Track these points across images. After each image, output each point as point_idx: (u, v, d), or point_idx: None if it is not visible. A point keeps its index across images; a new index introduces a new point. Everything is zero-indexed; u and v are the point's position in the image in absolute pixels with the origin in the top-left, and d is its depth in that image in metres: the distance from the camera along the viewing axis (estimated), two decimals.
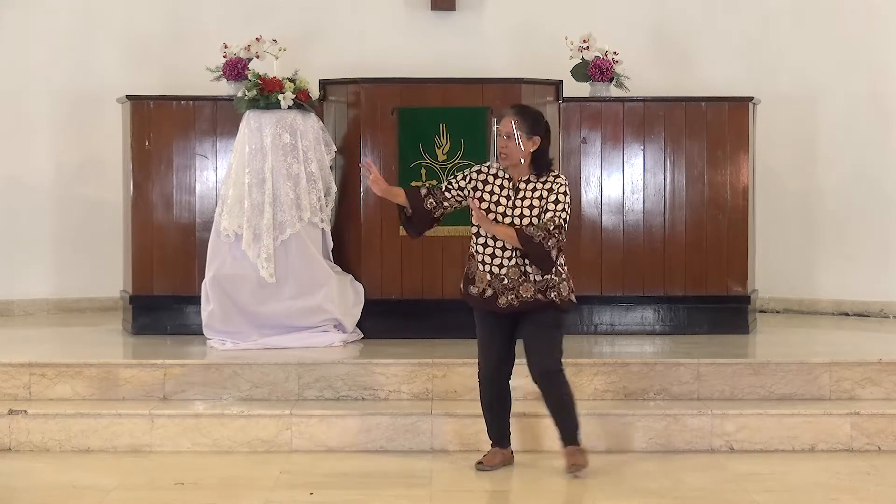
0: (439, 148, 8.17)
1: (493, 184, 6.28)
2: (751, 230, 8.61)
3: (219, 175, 8.41)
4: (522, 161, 6.21)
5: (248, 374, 7.28)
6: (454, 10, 9.85)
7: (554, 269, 6.18)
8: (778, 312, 9.69)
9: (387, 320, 8.21)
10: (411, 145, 8.21)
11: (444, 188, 6.34)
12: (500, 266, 6.22)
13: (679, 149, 8.53)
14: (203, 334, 8.01)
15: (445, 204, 6.34)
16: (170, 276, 8.44)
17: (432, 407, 7.03)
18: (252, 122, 8.09)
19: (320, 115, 8.34)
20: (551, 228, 6.10)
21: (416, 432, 6.88)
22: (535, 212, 6.16)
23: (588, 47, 8.72)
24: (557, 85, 8.48)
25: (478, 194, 6.24)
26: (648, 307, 8.51)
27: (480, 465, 6.42)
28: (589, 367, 7.25)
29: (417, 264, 8.24)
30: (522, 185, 6.23)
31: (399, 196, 6.40)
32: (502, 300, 6.23)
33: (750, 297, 8.58)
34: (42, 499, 6.03)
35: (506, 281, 6.21)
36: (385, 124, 8.24)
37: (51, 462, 6.68)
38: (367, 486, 6.22)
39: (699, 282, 8.51)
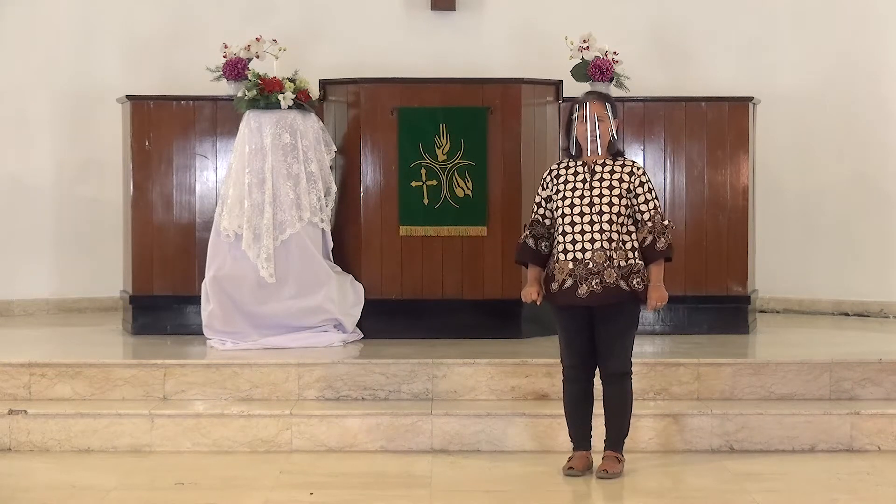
0: (439, 148, 8.17)
1: (566, 174, 6.26)
2: (751, 230, 8.61)
3: (219, 175, 8.42)
4: (603, 143, 6.22)
5: (248, 374, 7.27)
6: (454, 10, 9.85)
7: (638, 255, 6.17)
8: (778, 312, 9.69)
9: (387, 320, 8.21)
10: (411, 145, 8.21)
11: (539, 216, 6.32)
12: (584, 251, 6.14)
13: (679, 149, 8.53)
14: (203, 334, 8.01)
15: (547, 223, 6.30)
16: (170, 276, 8.44)
17: (432, 407, 7.03)
18: (252, 122, 8.09)
19: (320, 115, 8.34)
20: (661, 227, 6.15)
21: (416, 432, 6.88)
22: (616, 192, 6.14)
23: (588, 47, 8.71)
24: (557, 85, 8.48)
25: (559, 194, 6.23)
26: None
27: (571, 471, 6.30)
28: None
29: (417, 264, 8.24)
30: (598, 168, 6.22)
31: (537, 272, 6.32)
32: (582, 289, 6.14)
33: (750, 297, 8.58)
34: (42, 499, 6.02)
35: (591, 265, 6.13)
36: (385, 124, 8.24)
37: (51, 462, 6.68)
38: (367, 486, 6.22)
39: (699, 282, 8.51)
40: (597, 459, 6.35)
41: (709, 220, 8.53)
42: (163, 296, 8.45)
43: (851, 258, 9.62)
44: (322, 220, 8.13)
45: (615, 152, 6.29)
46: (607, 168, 6.23)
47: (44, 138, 9.76)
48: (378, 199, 8.27)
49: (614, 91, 8.65)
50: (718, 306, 8.52)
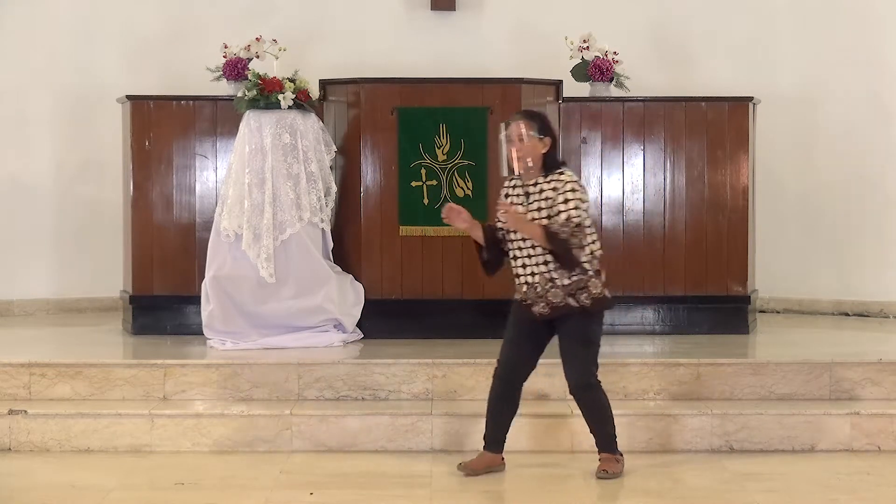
0: (439, 148, 8.17)
1: (512, 195, 6.29)
2: (751, 230, 8.61)
3: (219, 175, 8.42)
4: (533, 163, 6.18)
5: (248, 374, 7.27)
6: (454, 10, 9.85)
7: (579, 268, 6.15)
8: (778, 312, 9.69)
9: (387, 320, 8.21)
10: (411, 145, 8.21)
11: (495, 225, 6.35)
12: (532, 274, 6.20)
13: (679, 149, 8.53)
14: (203, 334, 8.01)
15: (500, 235, 6.33)
16: (170, 276, 8.44)
17: (432, 407, 7.03)
18: (252, 122, 8.09)
19: (320, 115, 8.34)
20: (570, 228, 6.08)
21: (416, 432, 6.88)
22: (544, 213, 6.14)
23: (588, 47, 8.72)
24: (557, 85, 8.48)
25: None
26: (648, 307, 8.51)
27: (461, 466, 6.38)
28: None
29: (417, 264, 8.24)
30: (532, 189, 6.22)
31: (477, 228, 6.32)
32: (536, 309, 6.21)
33: (750, 297, 8.58)
34: (42, 499, 6.02)
35: (538, 289, 6.19)
36: (385, 124, 8.24)
37: (51, 462, 6.68)
38: (367, 486, 6.22)
39: (699, 282, 8.51)
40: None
41: (709, 221, 8.53)
42: (163, 296, 8.45)
43: (851, 258, 9.62)
44: (322, 220, 8.13)
45: (551, 169, 6.22)
46: (538, 188, 6.21)
47: (44, 138, 9.76)
48: (378, 199, 8.27)
49: (614, 91, 8.67)
50: (718, 306, 8.52)
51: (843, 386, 7.23)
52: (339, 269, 8.23)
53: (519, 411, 6.75)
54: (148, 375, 7.24)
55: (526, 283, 6.22)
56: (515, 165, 6.20)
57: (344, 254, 8.31)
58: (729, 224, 8.53)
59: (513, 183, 6.30)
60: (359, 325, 8.20)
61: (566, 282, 6.16)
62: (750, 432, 6.88)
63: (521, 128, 6.18)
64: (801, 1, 9.67)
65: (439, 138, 8.18)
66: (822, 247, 9.70)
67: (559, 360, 6.34)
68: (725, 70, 9.65)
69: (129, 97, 8.51)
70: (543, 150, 6.21)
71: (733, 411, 6.93)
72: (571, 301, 6.17)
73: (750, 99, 8.63)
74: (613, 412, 6.34)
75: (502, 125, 6.30)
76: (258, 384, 7.25)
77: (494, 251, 6.34)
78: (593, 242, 6.22)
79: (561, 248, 6.09)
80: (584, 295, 6.17)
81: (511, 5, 9.86)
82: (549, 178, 6.20)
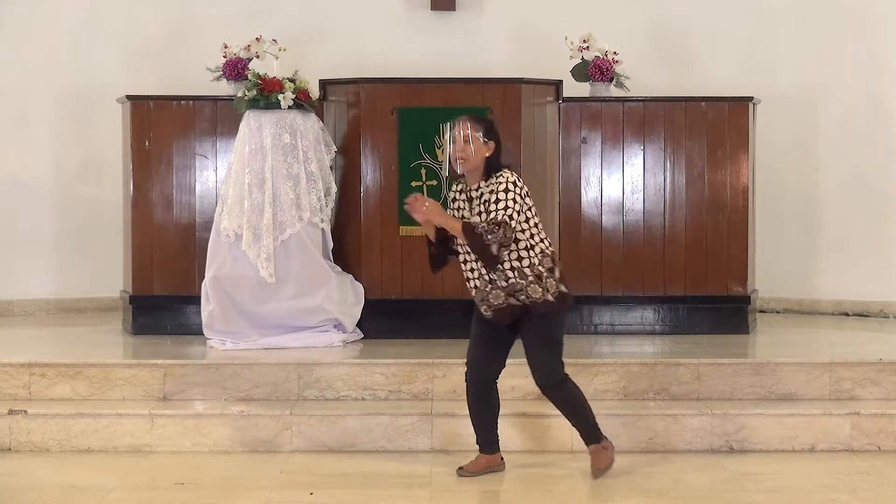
0: (439, 148, 8.17)
1: (459, 200, 6.29)
2: (751, 230, 8.61)
3: (219, 175, 8.42)
4: (477, 164, 6.14)
5: (248, 374, 7.28)
6: (454, 10, 9.85)
7: (517, 273, 6.10)
8: (778, 312, 9.69)
9: (387, 320, 8.21)
10: (411, 145, 8.21)
11: None
12: (476, 278, 6.21)
13: (679, 149, 8.53)
14: (203, 334, 8.01)
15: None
16: (170, 276, 8.44)
17: (432, 407, 7.03)
18: (252, 122, 8.09)
19: (320, 115, 8.34)
20: (492, 224, 6.01)
21: (416, 432, 6.88)
22: (484, 217, 6.11)
23: (588, 47, 8.72)
24: (557, 85, 8.48)
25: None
26: (648, 307, 8.51)
27: (461, 471, 6.38)
28: (589, 367, 7.24)
29: (417, 264, 8.23)
30: (474, 194, 6.20)
31: (432, 225, 6.28)
32: (482, 310, 6.23)
33: (750, 297, 8.58)
34: (42, 499, 6.02)
35: (478, 291, 6.20)
36: (385, 124, 8.24)
37: (51, 462, 6.68)
38: (367, 486, 6.22)
39: (699, 282, 8.51)
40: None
41: (709, 220, 8.53)
42: (163, 296, 8.46)
43: (851, 258, 9.62)
44: (322, 220, 8.13)
45: (492, 172, 6.17)
46: (478, 192, 6.19)
47: (44, 138, 9.76)
48: (378, 199, 8.27)
49: (614, 91, 8.67)
50: (718, 306, 8.52)
51: (843, 386, 7.23)
52: (339, 269, 8.23)
53: (520, 411, 6.76)
54: (148, 375, 7.24)
55: (474, 286, 6.23)
56: (457, 166, 6.18)
57: (344, 254, 8.31)
58: (729, 224, 8.53)
59: (459, 188, 6.30)
60: (359, 325, 8.20)
61: (503, 284, 6.13)
62: (750, 432, 6.88)
63: (468, 129, 6.17)
64: (801, 1, 9.67)
65: (439, 138, 8.18)
66: (822, 247, 9.70)
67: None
68: (725, 70, 9.65)
69: (129, 97, 8.51)
70: (487, 154, 6.18)
71: (733, 411, 6.93)
72: (513, 301, 6.14)
73: (750, 99, 8.63)
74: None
75: (448, 125, 6.28)
76: (258, 384, 7.25)
77: (443, 248, 6.31)
78: (542, 241, 6.17)
79: (476, 245, 6.03)
80: (523, 296, 6.12)
81: (511, 5, 9.86)
82: (488, 182, 6.17)
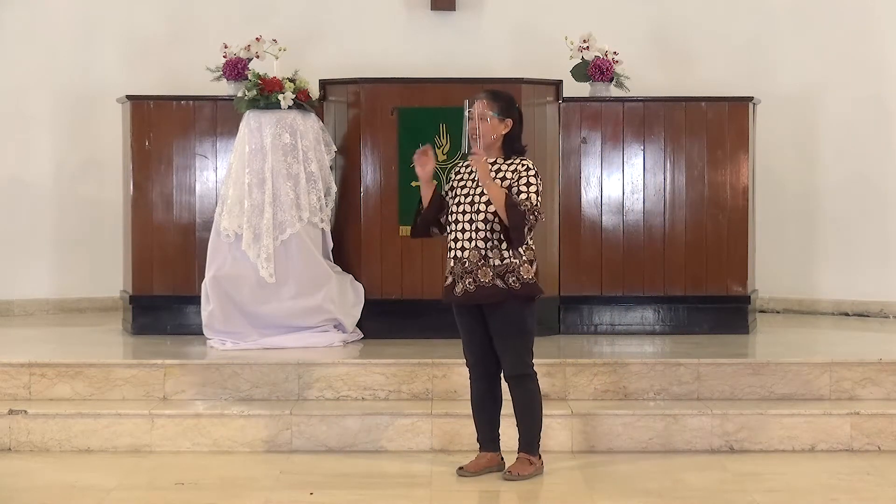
0: (439, 148, 8.17)
1: (464, 173, 6.28)
2: (751, 230, 8.61)
3: (219, 175, 8.42)
4: (493, 140, 6.15)
5: (248, 374, 7.28)
6: (454, 10, 9.85)
7: (513, 252, 6.13)
8: (778, 312, 9.69)
9: (387, 320, 8.21)
10: (411, 145, 8.14)
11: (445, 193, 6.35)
12: (462, 249, 6.16)
13: (679, 149, 8.53)
14: (203, 334, 8.01)
15: (447, 202, 6.32)
16: (170, 276, 8.45)
17: (432, 407, 7.03)
18: (252, 122, 8.09)
19: (320, 115, 8.34)
20: (529, 207, 6.03)
21: (416, 432, 6.88)
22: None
23: (588, 47, 8.72)
24: (557, 85, 8.48)
25: (452, 191, 6.25)
26: (648, 307, 8.52)
27: (461, 471, 6.37)
28: (589, 367, 7.25)
29: (417, 264, 8.24)
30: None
31: (430, 187, 6.29)
32: (458, 287, 6.16)
33: (750, 297, 8.58)
34: (42, 499, 6.02)
35: (466, 264, 6.14)
36: (385, 124, 8.24)
37: (51, 462, 6.68)
38: (367, 486, 6.22)
39: (699, 282, 8.51)
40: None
41: (709, 220, 8.53)
42: (163, 296, 8.46)
43: (851, 258, 9.62)
44: (322, 220, 8.13)
45: (512, 153, 6.21)
46: (496, 167, 6.18)
47: (44, 138, 9.76)
48: (378, 199, 8.27)
49: (614, 91, 8.67)
50: (718, 306, 8.52)
51: (843, 386, 7.23)
52: (339, 269, 8.23)
53: None
54: (148, 375, 7.24)
55: (455, 257, 6.17)
56: (470, 142, 6.18)
57: (344, 254, 8.31)
58: (729, 224, 8.53)
59: (466, 163, 6.29)
60: (359, 325, 8.20)
61: (497, 262, 6.12)
62: (750, 432, 6.88)
63: (482, 106, 6.17)
64: (802, 1, 9.67)
65: (439, 138, 8.17)
66: (822, 247, 9.70)
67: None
68: (725, 70, 9.64)
69: (129, 97, 8.51)
70: (504, 132, 6.19)
71: (733, 411, 6.93)
72: (499, 283, 6.12)
73: (750, 99, 8.63)
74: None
75: (466, 102, 6.27)
76: (258, 384, 7.25)
77: (432, 214, 6.29)
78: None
79: (517, 219, 6.01)
80: (513, 279, 6.12)
81: (511, 5, 9.86)
82: (509, 161, 6.18)
